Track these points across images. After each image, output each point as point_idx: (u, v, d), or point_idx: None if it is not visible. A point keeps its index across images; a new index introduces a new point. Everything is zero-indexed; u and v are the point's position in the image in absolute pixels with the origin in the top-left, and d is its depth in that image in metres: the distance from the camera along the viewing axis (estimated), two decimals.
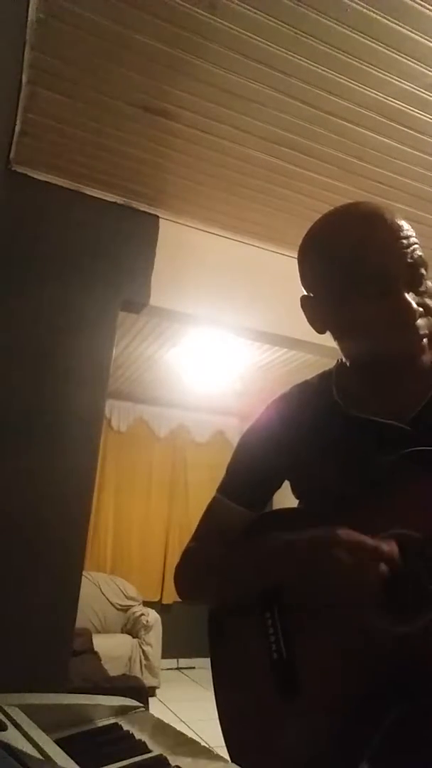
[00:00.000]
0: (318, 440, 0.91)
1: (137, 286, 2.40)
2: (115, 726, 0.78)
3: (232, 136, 1.99)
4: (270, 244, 2.64)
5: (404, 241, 0.80)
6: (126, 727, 0.77)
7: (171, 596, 5.09)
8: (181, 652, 5.03)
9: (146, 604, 4.89)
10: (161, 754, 0.67)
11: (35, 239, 2.26)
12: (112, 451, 5.22)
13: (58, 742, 0.68)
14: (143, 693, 3.30)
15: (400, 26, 1.54)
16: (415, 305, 0.78)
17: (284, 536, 0.85)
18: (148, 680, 4.20)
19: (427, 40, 1.58)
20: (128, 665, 4.25)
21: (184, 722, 3.41)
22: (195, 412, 5.57)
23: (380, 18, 1.52)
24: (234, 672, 0.94)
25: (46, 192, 2.27)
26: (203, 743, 0.71)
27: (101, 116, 1.93)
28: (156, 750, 0.69)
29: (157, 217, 2.48)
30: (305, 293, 0.91)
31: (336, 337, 0.90)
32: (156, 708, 3.78)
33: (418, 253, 0.81)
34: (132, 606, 4.75)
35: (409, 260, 0.80)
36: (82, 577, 2.19)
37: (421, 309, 0.79)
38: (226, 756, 0.81)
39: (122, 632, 4.60)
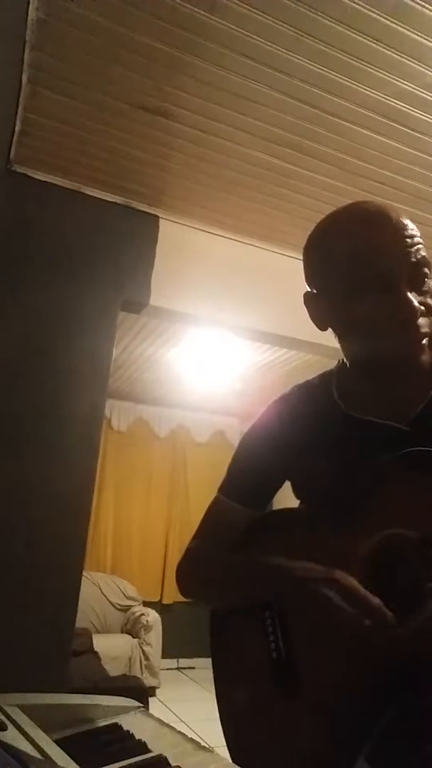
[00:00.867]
0: (318, 441, 0.91)
1: (137, 286, 2.40)
2: (115, 726, 0.78)
3: (232, 136, 1.99)
4: (270, 244, 2.64)
5: (408, 240, 0.80)
6: (126, 727, 0.77)
7: (171, 596, 5.08)
8: (181, 652, 5.03)
9: (146, 604, 4.89)
10: (161, 754, 0.67)
11: (35, 239, 2.26)
12: (112, 451, 5.22)
13: (58, 742, 0.68)
14: (143, 693, 3.31)
15: (400, 26, 1.54)
16: (416, 303, 0.78)
17: (280, 561, 0.84)
18: (148, 680, 4.20)
19: (427, 40, 1.58)
20: (128, 665, 4.25)
21: (184, 722, 3.41)
22: (195, 412, 5.57)
23: (380, 18, 1.52)
24: (234, 671, 0.94)
25: (46, 192, 2.27)
26: (203, 743, 0.71)
27: (101, 116, 1.93)
28: (156, 750, 0.69)
29: (157, 217, 2.48)
30: (309, 290, 0.91)
31: (337, 335, 0.90)
32: (156, 708, 3.78)
33: (422, 253, 0.81)
34: (132, 606, 4.75)
35: (412, 259, 0.80)
36: (82, 577, 2.19)
37: (422, 308, 0.79)
38: (227, 756, 0.81)
39: (122, 632, 4.60)
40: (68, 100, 1.86)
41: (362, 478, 0.81)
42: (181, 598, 4.81)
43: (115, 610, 4.68)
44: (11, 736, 0.66)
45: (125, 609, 4.72)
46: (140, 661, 4.32)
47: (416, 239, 0.81)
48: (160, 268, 2.44)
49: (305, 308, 0.91)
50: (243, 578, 0.91)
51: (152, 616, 4.58)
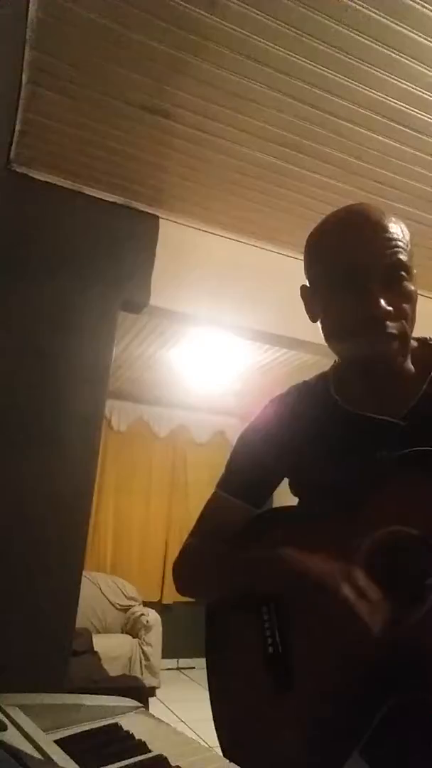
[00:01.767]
0: (317, 437, 0.92)
1: (137, 286, 2.40)
2: (115, 726, 0.78)
3: (232, 136, 1.99)
4: (270, 244, 2.64)
5: (384, 243, 0.82)
6: (126, 727, 0.77)
7: (171, 596, 5.09)
8: (181, 652, 5.03)
9: (146, 604, 4.89)
10: (161, 754, 0.67)
11: (35, 239, 2.26)
12: (112, 451, 5.22)
13: (58, 742, 0.68)
14: (143, 693, 3.31)
15: (400, 26, 1.54)
16: (383, 303, 0.79)
17: (276, 553, 0.84)
18: (148, 680, 4.20)
19: (427, 40, 1.58)
20: (128, 665, 4.24)
21: (184, 722, 3.41)
22: (195, 412, 5.57)
23: (380, 18, 1.52)
24: (229, 666, 0.94)
25: (46, 192, 2.27)
26: (203, 743, 0.71)
27: (101, 116, 1.93)
28: (156, 750, 0.69)
29: (157, 217, 2.48)
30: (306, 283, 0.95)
31: (322, 332, 0.92)
32: (156, 708, 3.78)
33: (400, 256, 0.82)
34: (132, 606, 4.75)
35: (386, 261, 0.81)
36: (82, 577, 2.19)
37: (390, 308, 0.80)
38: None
39: (122, 632, 4.59)
40: (68, 100, 1.86)
41: (360, 474, 0.82)
42: (181, 598, 4.79)
43: (115, 610, 4.68)
44: (11, 736, 0.66)
45: (125, 609, 4.72)
46: (140, 661, 4.32)
47: (395, 242, 0.82)
48: (160, 268, 2.44)
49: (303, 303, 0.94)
50: (245, 571, 0.91)
51: (152, 616, 4.58)
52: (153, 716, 0.84)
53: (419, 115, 1.83)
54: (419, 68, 1.66)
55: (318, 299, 0.89)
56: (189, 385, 4.62)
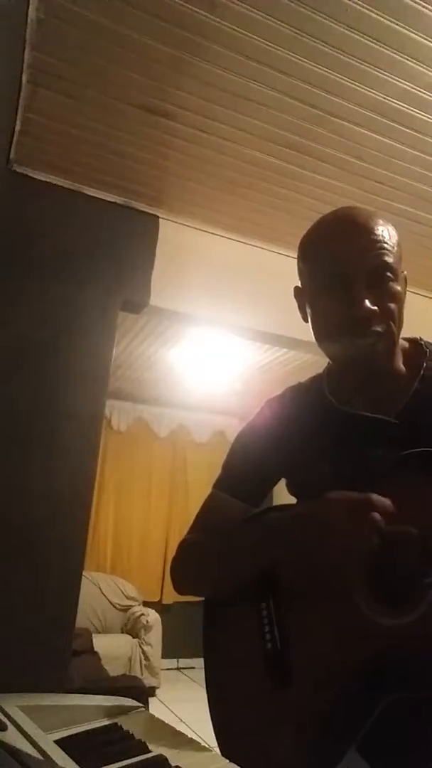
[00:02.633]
0: (312, 438, 0.93)
1: (137, 286, 2.40)
2: (115, 726, 0.78)
3: (232, 136, 1.99)
4: (270, 244, 2.64)
5: (371, 245, 0.83)
6: (126, 727, 0.77)
7: (171, 596, 5.09)
8: (181, 652, 5.03)
9: (146, 604, 4.89)
10: (161, 754, 0.67)
11: (35, 239, 2.26)
12: (112, 451, 5.22)
13: (58, 742, 0.68)
14: (143, 693, 3.30)
15: (401, 26, 1.54)
16: (367, 303, 0.80)
17: (278, 514, 0.87)
18: (148, 680, 4.20)
19: (427, 40, 1.58)
20: (128, 665, 4.25)
21: (184, 722, 3.40)
22: (195, 412, 5.57)
23: (380, 18, 1.52)
24: (227, 661, 0.94)
25: (46, 192, 2.27)
26: (203, 743, 0.71)
27: (101, 116, 1.93)
28: (156, 750, 0.69)
29: (157, 217, 2.48)
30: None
31: (313, 334, 0.92)
32: (156, 708, 3.78)
33: (385, 258, 0.83)
34: (132, 606, 4.75)
35: (371, 263, 0.82)
36: (82, 577, 2.19)
37: (375, 308, 0.81)
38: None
39: (122, 632, 4.60)
40: (68, 100, 1.86)
41: (356, 473, 0.82)
42: (180, 598, 4.79)
43: (115, 610, 4.68)
44: (11, 736, 0.66)
45: (125, 609, 4.72)
46: (140, 661, 4.33)
47: (380, 244, 0.83)
48: (160, 268, 2.44)
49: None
50: (239, 547, 0.91)
51: (152, 616, 4.58)
52: (153, 716, 0.84)
53: (419, 115, 1.84)
54: (419, 68, 1.66)
55: (307, 300, 0.91)
56: (189, 385, 4.63)
